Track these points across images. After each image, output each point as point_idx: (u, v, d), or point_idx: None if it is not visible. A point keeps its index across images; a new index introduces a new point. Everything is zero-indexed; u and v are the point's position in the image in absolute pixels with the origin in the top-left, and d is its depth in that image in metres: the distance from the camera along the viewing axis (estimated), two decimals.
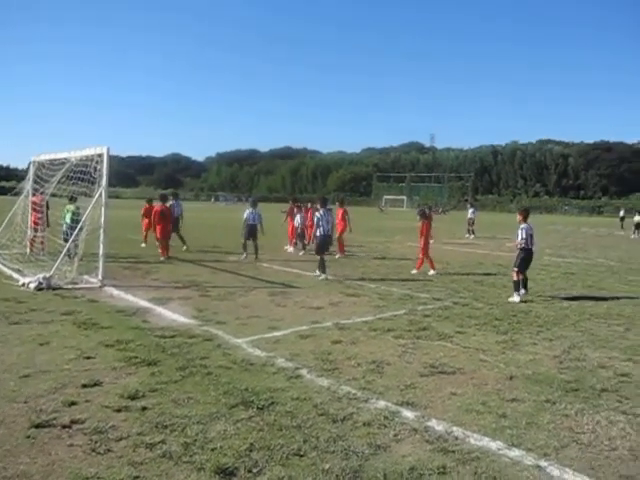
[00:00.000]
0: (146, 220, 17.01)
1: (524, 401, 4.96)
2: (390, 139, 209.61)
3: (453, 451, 3.92)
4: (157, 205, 15.43)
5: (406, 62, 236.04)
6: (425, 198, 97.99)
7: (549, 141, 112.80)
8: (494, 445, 4.05)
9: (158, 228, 14.75)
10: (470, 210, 28.09)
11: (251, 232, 15.08)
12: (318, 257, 12.20)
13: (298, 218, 17.50)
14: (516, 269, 10.00)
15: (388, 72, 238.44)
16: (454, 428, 4.31)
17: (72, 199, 12.89)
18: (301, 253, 16.86)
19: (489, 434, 4.23)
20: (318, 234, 12.21)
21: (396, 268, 14.18)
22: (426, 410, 4.68)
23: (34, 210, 14.02)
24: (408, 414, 4.57)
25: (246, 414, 4.42)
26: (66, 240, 11.34)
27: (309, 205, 18.89)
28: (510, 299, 9.86)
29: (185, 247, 16.27)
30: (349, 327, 7.55)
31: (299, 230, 17.56)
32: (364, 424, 4.32)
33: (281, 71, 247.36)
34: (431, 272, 12.98)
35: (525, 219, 10.24)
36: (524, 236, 10.04)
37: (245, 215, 15.35)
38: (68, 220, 11.81)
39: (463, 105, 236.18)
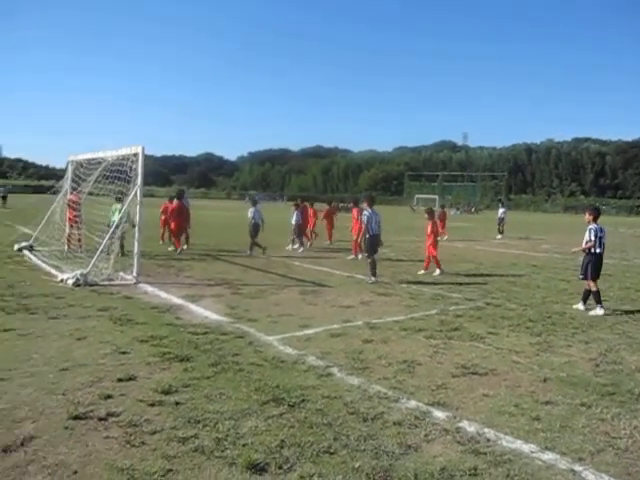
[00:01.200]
0: (163, 218, 17.25)
1: (558, 404, 4.87)
2: (422, 138, 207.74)
3: (485, 453, 3.88)
4: (171, 203, 16.06)
5: (438, 61, 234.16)
6: (457, 197, 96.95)
7: (586, 139, 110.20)
8: (527, 448, 3.99)
9: (173, 224, 15.49)
10: (501, 210, 27.71)
11: (257, 230, 15.89)
12: (369, 259, 11.53)
13: (295, 216, 17.48)
14: (591, 280, 8.98)
15: (420, 72, 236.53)
16: (486, 430, 4.26)
17: (119, 199, 13.13)
18: (300, 250, 17.07)
19: (522, 436, 4.17)
20: (368, 235, 11.58)
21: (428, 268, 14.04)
22: (458, 411, 4.64)
23: (71, 208, 14.38)
24: (439, 414, 4.54)
25: (277, 411, 4.45)
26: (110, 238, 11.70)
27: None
28: (592, 312, 8.79)
29: (185, 246, 16.03)
30: (380, 326, 7.53)
31: (296, 228, 17.57)
32: (394, 423, 4.31)
33: (312, 71, 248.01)
34: (437, 272, 12.77)
35: (595, 219, 9.26)
36: (592, 237, 9.08)
37: (250, 214, 16.14)
38: (115, 219, 11.97)
39: (496, 103, 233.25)
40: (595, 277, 9.02)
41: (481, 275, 13.06)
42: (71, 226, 14.39)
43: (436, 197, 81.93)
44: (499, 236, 26.18)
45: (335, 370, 5.57)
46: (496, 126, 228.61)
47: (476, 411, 4.66)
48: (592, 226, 9.21)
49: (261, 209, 16.79)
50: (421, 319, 8.11)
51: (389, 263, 14.76)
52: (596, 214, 9.37)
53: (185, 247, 15.83)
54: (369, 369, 5.66)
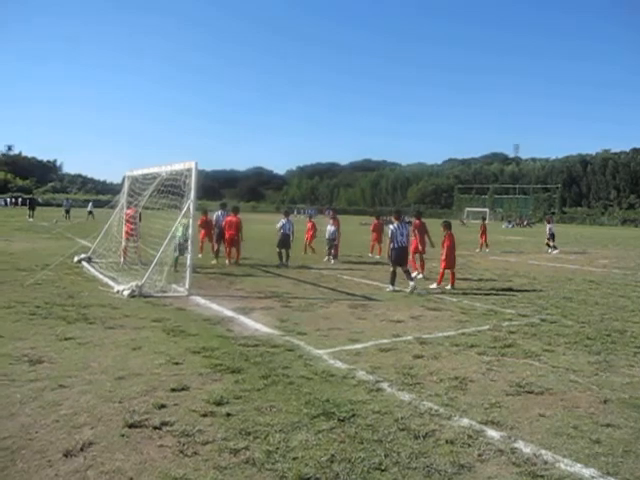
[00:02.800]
0: (203, 231, 17.54)
1: (620, 427, 4.65)
2: (472, 150, 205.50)
3: (542, 476, 3.74)
4: (230, 216, 16.38)
5: (487, 75, 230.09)
6: (509, 210, 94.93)
7: None
8: (587, 472, 3.82)
9: (227, 235, 15.92)
10: (548, 226, 26.43)
11: (285, 241, 16.05)
12: (391, 269, 12.07)
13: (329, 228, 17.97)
14: None
15: (468, 85, 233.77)
16: (543, 451, 4.12)
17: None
18: (332, 262, 17.34)
19: (582, 460, 4.00)
20: (393, 247, 11.92)
21: (479, 282, 13.79)
22: (512, 431, 4.51)
23: (128, 222, 14.87)
24: (493, 434, 4.42)
25: (327, 425, 4.44)
26: (180, 252, 12.06)
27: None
28: None
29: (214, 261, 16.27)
30: (431, 342, 7.42)
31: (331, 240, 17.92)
32: (447, 442, 4.23)
33: (361, 85, 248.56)
34: (448, 287, 12.48)
35: None
36: None
37: (279, 225, 16.33)
38: (180, 233, 12.19)
39: (549, 114, 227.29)
40: None
41: (535, 290, 12.70)
42: (127, 239, 14.86)
43: (486, 210, 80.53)
44: (556, 251, 25.06)
45: (385, 385, 5.52)
46: (548, 137, 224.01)
47: (532, 432, 4.51)
48: None
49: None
50: (473, 335, 7.94)
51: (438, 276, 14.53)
52: None
53: (232, 261, 16.09)
54: (420, 385, 5.58)
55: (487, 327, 8.49)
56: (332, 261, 17.53)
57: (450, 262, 12.64)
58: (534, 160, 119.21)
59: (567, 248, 27.74)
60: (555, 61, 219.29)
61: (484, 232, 24.35)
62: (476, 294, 11.87)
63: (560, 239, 26.39)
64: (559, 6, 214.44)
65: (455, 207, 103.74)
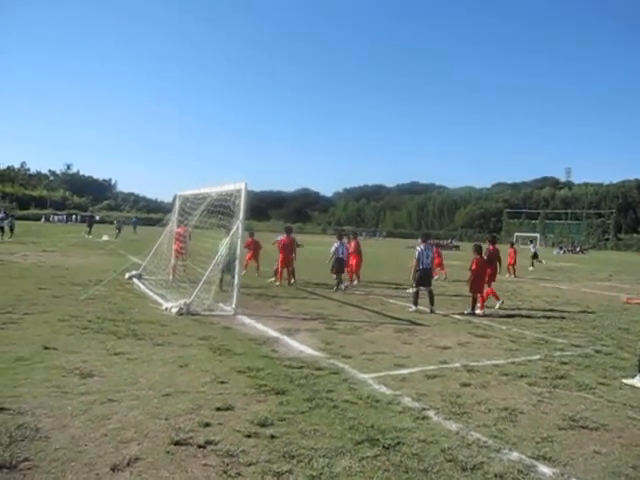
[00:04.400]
0: (250, 253, 17.80)
1: None
2: (522, 174, 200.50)
3: None
4: (282, 237, 16.51)
5: (537, 100, 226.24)
6: (560, 236, 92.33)
7: None
8: None
9: (281, 257, 16.04)
10: (531, 246, 31.99)
11: (339, 266, 15.69)
12: (414, 289, 12.53)
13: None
14: None
15: (518, 109, 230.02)
16: None
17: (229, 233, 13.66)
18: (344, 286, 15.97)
19: None
20: (418, 268, 12.37)
21: (529, 310, 13.39)
22: (565, 467, 4.31)
23: (178, 240, 15.21)
24: (545, 470, 4.24)
25: (371, 452, 4.36)
26: (227, 271, 12.28)
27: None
28: None
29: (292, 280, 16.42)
30: (479, 370, 7.22)
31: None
32: (496, 476, 4.08)
33: (408, 107, 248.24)
34: (478, 311, 12.19)
35: None
36: None
37: (333, 248, 15.93)
38: (224, 253, 12.36)
39: (602, 136, 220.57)
40: None
41: (588, 320, 12.23)
42: (176, 257, 15.19)
43: (537, 235, 78.55)
44: (531, 267, 28.34)
45: (431, 413, 5.39)
46: (602, 161, 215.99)
47: (587, 469, 4.30)
48: None
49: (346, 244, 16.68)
50: (523, 364, 7.69)
51: (488, 302, 14.21)
52: None
53: (292, 281, 16.25)
54: (467, 414, 5.43)
55: (538, 357, 8.21)
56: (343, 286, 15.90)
57: (477, 286, 12.41)
58: (587, 185, 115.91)
59: (622, 277, 26.69)
60: (605, 91, 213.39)
61: (512, 256, 23.69)
62: (526, 321, 11.53)
63: (615, 267, 25.40)
64: (615, 41, 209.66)
65: (504, 232, 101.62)
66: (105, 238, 37.38)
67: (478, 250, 12.82)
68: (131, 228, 53.08)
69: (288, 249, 16.14)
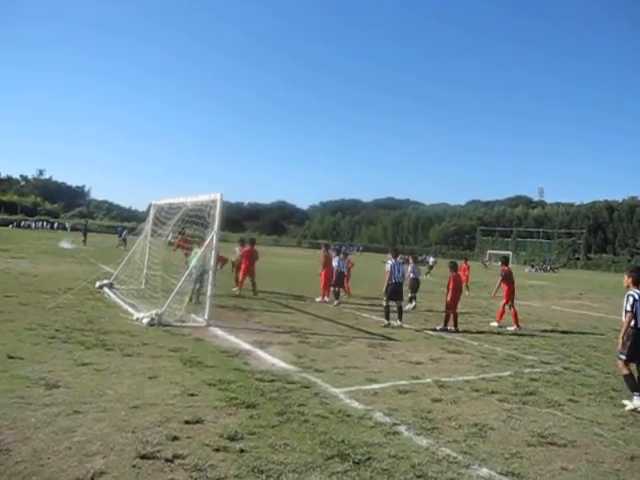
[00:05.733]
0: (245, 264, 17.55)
1: None
2: (496, 192, 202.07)
3: None
4: (246, 247, 16.83)
5: (512, 120, 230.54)
6: (532, 254, 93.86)
7: None
8: None
9: (244, 266, 16.41)
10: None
11: (397, 291, 14.76)
12: (384, 304, 12.62)
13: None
14: (623, 359, 6.88)
15: (494, 127, 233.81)
16: None
17: (200, 244, 13.57)
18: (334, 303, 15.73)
19: None
20: (390, 282, 12.54)
21: (500, 326, 13.52)
22: None
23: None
24: None
25: (342, 467, 4.33)
26: (199, 283, 12.16)
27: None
28: (626, 403, 6.82)
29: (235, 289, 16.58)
30: (450, 385, 7.26)
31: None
32: None
33: (386, 123, 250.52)
34: (439, 327, 12.35)
35: (636, 283, 7.08)
36: (628, 307, 6.88)
37: (335, 263, 16.19)
38: (194, 262, 12.41)
39: (574, 159, 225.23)
40: (630, 359, 6.86)
41: (558, 337, 12.41)
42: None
43: (509, 253, 79.65)
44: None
45: (402, 428, 5.39)
46: (574, 182, 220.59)
47: None
48: (632, 292, 7.02)
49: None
50: (493, 380, 7.75)
51: (461, 319, 14.30)
52: (637, 276, 7.13)
53: (237, 290, 16.38)
54: (438, 430, 5.43)
55: (508, 373, 8.29)
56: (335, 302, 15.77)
57: (453, 303, 12.51)
58: (559, 204, 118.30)
59: (592, 295, 27.22)
60: (583, 108, 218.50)
61: (464, 273, 22.07)
62: (497, 339, 11.65)
63: (585, 286, 25.91)
64: (589, 56, 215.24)
65: (477, 249, 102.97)
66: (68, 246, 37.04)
67: (454, 267, 12.94)
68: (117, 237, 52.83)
69: (251, 259, 16.39)
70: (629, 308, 6.88)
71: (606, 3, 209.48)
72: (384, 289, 12.71)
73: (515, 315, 13.24)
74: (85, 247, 38.66)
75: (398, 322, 12.35)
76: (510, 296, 13.45)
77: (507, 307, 13.45)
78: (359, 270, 18.87)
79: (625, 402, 6.85)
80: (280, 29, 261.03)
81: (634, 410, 6.62)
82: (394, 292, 12.61)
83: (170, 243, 16.55)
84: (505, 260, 14.89)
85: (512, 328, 13.02)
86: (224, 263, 17.34)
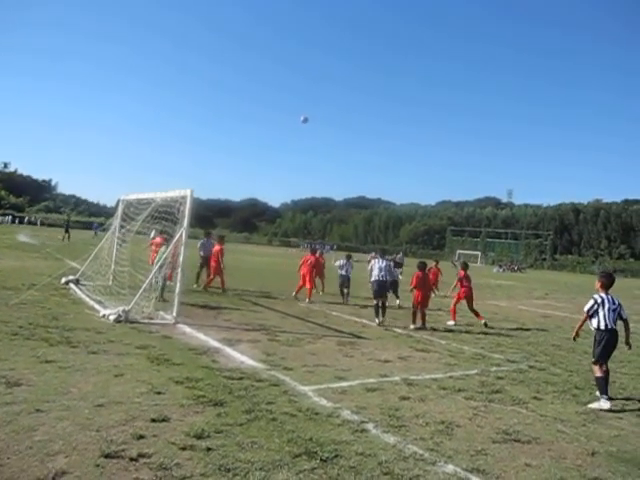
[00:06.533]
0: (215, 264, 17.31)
1: None
2: (466, 193, 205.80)
3: None
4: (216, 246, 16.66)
5: (483, 120, 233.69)
6: (500, 254, 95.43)
7: (636, 201, 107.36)
8: None
9: (214, 264, 16.30)
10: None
11: (344, 282, 16.62)
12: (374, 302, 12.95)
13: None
14: (597, 361, 7.17)
15: (464, 129, 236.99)
16: None
17: (167, 240, 13.34)
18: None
19: None
20: (376, 280, 12.95)
21: (468, 325, 13.71)
22: None
23: (155, 252, 14.64)
24: None
25: (309, 465, 4.32)
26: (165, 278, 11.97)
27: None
28: (593, 405, 6.89)
29: (195, 285, 16.52)
30: (418, 383, 7.32)
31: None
32: None
33: (358, 121, 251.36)
34: (411, 326, 12.48)
35: (605, 287, 7.38)
36: (586, 309, 7.34)
37: (338, 264, 16.99)
38: (162, 259, 12.17)
39: (543, 161, 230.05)
40: (602, 360, 7.17)
41: (524, 336, 12.64)
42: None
43: (478, 253, 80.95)
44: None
45: (370, 426, 5.41)
46: (542, 183, 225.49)
47: None
48: (596, 295, 7.34)
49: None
50: (460, 379, 7.85)
51: (430, 318, 14.44)
52: (607, 281, 7.43)
53: (197, 286, 16.35)
54: (405, 427, 5.47)
55: (475, 371, 8.40)
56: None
57: (418, 301, 12.72)
58: (527, 206, 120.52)
59: (557, 295, 27.79)
60: (551, 108, 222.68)
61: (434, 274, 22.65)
62: (465, 337, 11.80)
63: (551, 286, 26.45)
64: (558, 55, 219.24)
65: (447, 249, 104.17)
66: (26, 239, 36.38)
67: (421, 267, 13.18)
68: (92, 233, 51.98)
69: (218, 257, 16.27)
70: (586, 309, 7.39)
71: None
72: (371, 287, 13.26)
73: (454, 312, 14.01)
74: (65, 243, 37.83)
75: (382, 318, 12.71)
76: (462, 297, 13.91)
77: (457, 306, 14.16)
78: (332, 268, 18.86)
79: (591, 405, 6.88)
80: (248, 24, 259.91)
81: (597, 409, 6.79)
82: (378, 290, 12.95)
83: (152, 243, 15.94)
84: (465, 265, 15.37)
85: (451, 323, 13.72)
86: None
